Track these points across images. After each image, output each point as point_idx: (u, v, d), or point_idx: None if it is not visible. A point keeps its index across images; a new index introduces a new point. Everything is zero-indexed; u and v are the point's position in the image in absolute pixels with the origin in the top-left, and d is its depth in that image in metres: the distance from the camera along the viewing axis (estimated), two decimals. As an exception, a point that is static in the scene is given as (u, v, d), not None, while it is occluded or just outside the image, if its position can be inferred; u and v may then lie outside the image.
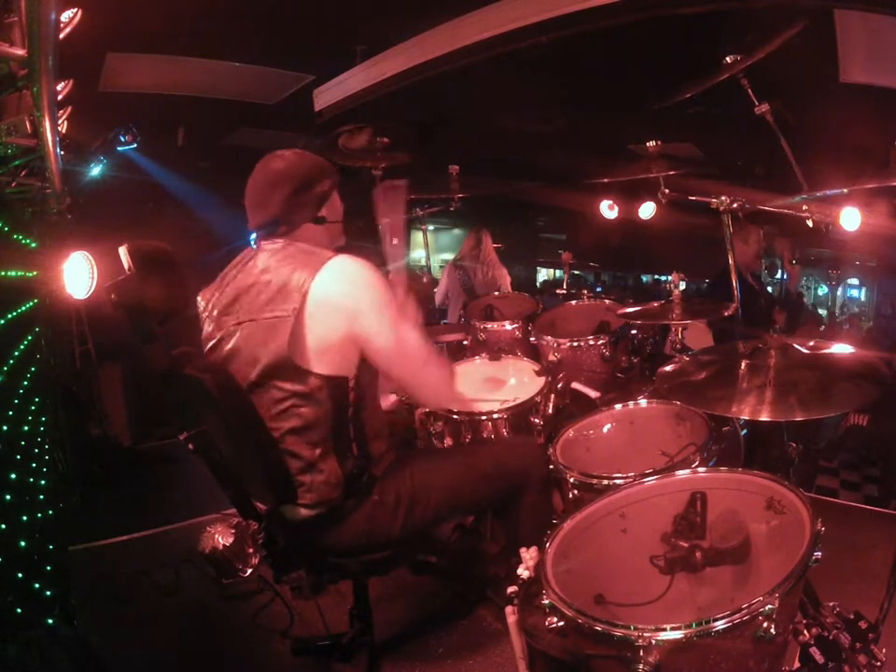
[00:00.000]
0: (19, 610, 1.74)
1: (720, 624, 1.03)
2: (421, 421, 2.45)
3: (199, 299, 1.81)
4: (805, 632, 1.25)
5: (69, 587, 2.48)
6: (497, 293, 4.08)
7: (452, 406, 1.79)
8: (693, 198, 2.45)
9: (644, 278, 13.18)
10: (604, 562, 1.43)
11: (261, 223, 1.71)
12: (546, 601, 1.19)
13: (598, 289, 11.31)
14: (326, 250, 1.66)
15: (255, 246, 1.76)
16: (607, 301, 3.32)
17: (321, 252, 1.64)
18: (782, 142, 2.44)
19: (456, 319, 4.64)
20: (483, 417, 2.33)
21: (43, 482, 2.61)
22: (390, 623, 2.26)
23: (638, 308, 2.58)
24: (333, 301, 1.57)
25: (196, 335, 1.78)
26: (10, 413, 2.28)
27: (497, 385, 2.66)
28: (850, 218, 2.36)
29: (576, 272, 10.21)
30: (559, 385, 2.46)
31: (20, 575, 1.86)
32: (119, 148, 3.89)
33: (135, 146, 3.90)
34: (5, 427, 2.10)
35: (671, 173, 2.58)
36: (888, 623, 1.39)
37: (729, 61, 2.37)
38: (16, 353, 2.50)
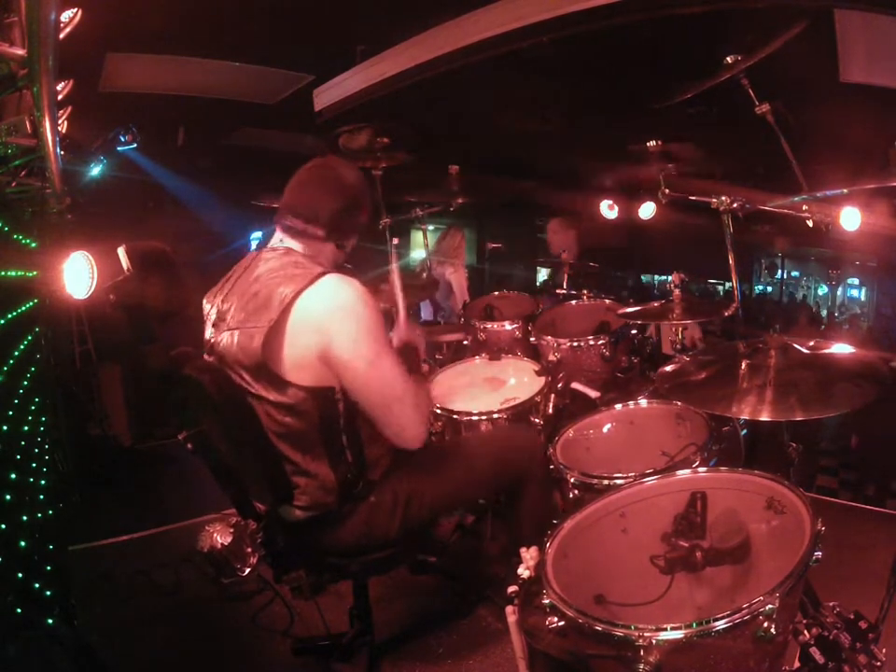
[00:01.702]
0: (19, 610, 1.74)
1: (720, 624, 1.03)
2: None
3: (204, 301, 1.81)
4: (805, 632, 1.25)
5: (69, 587, 2.48)
6: (496, 293, 4.08)
7: (409, 446, 1.71)
8: (693, 198, 2.44)
9: (644, 278, 13.17)
10: (604, 562, 1.43)
11: (298, 212, 1.68)
12: (546, 601, 1.20)
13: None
14: (317, 266, 1.62)
15: (254, 250, 1.76)
16: (607, 301, 3.32)
17: (312, 268, 1.60)
18: (782, 142, 2.44)
19: (426, 317, 4.64)
20: (483, 417, 2.33)
21: (43, 482, 2.61)
22: (390, 623, 2.26)
23: (638, 308, 2.58)
24: (312, 322, 1.54)
25: (196, 335, 1.78)
26: (10, 413, 2.28)
27: (497, 385, 2.66)
28: (850, 218, 2.36)
29: (575, 272, 10.18)
30: (559, 385, 2.46)
31: (20, 575, 1.86)
32: (119, 148, 3.88)
33: (135, 146, 3.90)
34: (5, 427, 2.10)
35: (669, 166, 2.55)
36: (888, 623, 1.39)
37: (729, 61, 2.37)
38: (16, 353, 2.50)
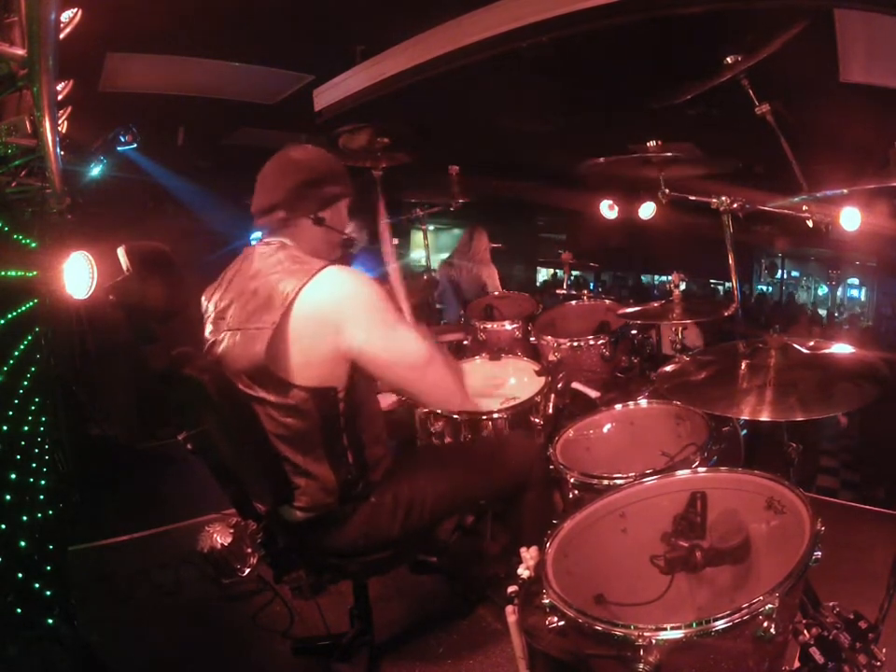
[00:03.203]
0: (19, 610, 1.74)
1: (720, 624, 1.03)
2: (421, 421, 2.45)
3: (202, 298, 1.80)
4: (805, 632, 1.25)
5: (69, 587, 2.48)
6: (497, 293, 4.09)
7: (456, 407, 1.70)
8: (693, 198, 2.44)
9: (644, 278, 13.21)
10: (604, 562, 1.43)
11: (263, 206, 1.69)
12: (546, 601, 1.19)
13: (599, 290, 11.34)
14: (317, 260, 1.61)
15: (252, 244, 1.75)
16: (607, 301, 3.33)
17: (312, 262, 1.59)
18: (782, 142, 2.44)
19: (452, 318, 4.65)
20: (483, 417, 2.33)
21: (43, 482, 2.61)
22: (390, 623, 2.26)
23: (638, 308, 2.58)
24: (319, 315, 1.52)
25: (196, 335, 1.77)
26: (10, 413, 2.28)
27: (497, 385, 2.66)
28: (850, 218, 2.36)
29: (576, 272, 10.23)
30: (559, 385, 2.46)
31: (20, 575, 1.86)
32: (119, 148, 3.88)
33: (135, 146, 3.89)
34: (5, 427, 2.10)
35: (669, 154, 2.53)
36: (888, 623, 1.39)
37: (730, 61, 2.37)
38: (16, 353, 2.50)
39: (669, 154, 2.47)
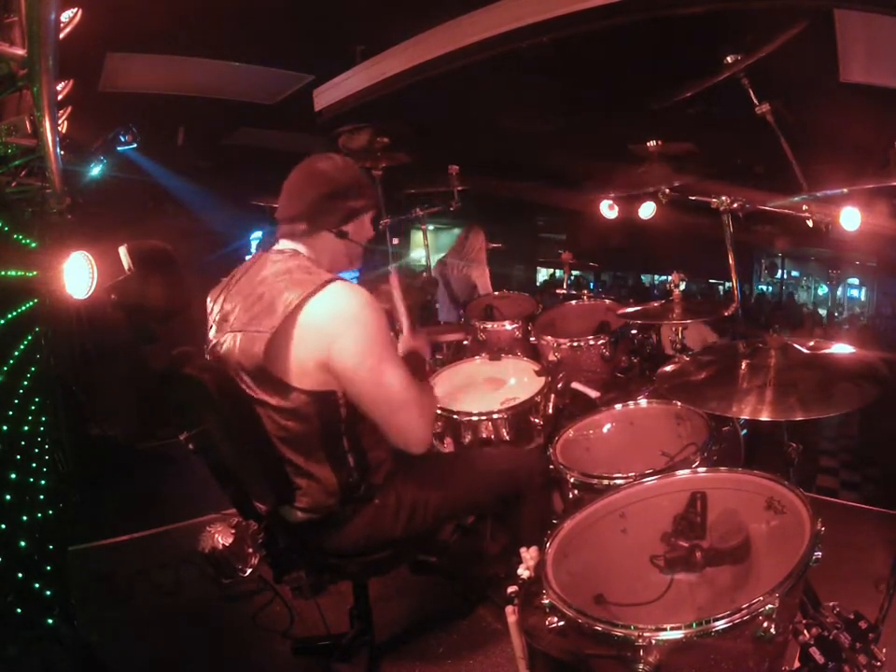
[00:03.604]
0: (19, 610, 1.74)
1: (720, 624, 1.03)
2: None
3: (208, 300, 1.80)
4: (805, 632, 1.25)
5: (69, 587, 2.47)
6: (496, 293, 4.08)
7: (415, 451, 1.70)
8: (693, 198, 2.45)
9: (644, 278, 13.22)
10: (604, 562, 1.43)
11: (286, 216, 1.70)
12: (546, 601, 1.20)
13: (599, 290, 11.35)
14: (325, 272, 1.62)
15: (265, 250, 1.75)
16: (607, 301, 3.32)
17: (320, 274, 1.60)
18: (782, 142, 2.44)
19: (445, 316, 4.63)
20: (483, 417, 2.33)
21: (43, 482, 2.61)
22: (390, 623, 2.26)
23: (638, 308, 2.58)
24: (317, 327, 1.53)
25: (198, 335, 1.77)
26: (10, 413, 2.28)
27: (497, 385, 2.66)
28: (850, 218, 2.36)
29: (576, 272, 10.23)
30: (559, 385, 2.46)
31: (20, 575, 1.86)
32: (119, 148, 3.88)
33: (135, 146, 3.89)
34: (5, 427, 2.10)
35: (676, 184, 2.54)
36: (888, 623, 1.40)
37: (729, 60, 2.37)
38: (16, 353, 2.50)
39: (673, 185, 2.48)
